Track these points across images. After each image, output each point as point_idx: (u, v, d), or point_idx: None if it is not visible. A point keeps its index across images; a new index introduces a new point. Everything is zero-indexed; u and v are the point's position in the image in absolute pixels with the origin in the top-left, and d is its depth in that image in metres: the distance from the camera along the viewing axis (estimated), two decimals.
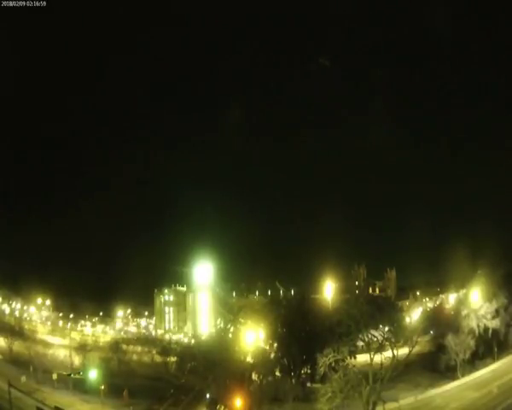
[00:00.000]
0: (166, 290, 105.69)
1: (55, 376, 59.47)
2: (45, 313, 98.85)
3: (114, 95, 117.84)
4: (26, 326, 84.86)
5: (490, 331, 62.27)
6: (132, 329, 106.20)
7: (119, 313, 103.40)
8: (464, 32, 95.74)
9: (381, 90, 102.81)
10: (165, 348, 75.66)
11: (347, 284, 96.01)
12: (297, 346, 61.90)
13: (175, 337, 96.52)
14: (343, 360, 49.74)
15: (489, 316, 62.55)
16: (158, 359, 72.51)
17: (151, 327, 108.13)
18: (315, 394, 52.24)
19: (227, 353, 61.48)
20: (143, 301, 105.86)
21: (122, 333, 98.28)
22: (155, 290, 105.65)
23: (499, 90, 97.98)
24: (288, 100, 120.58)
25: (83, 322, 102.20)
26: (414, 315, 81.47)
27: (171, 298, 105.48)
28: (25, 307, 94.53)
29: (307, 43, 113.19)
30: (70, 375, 60.88)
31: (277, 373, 64.19)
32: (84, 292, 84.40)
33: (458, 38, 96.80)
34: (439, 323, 66.91)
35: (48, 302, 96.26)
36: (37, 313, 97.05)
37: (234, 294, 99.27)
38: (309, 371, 62.76)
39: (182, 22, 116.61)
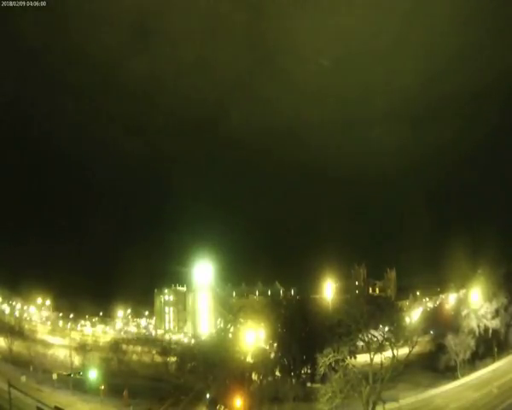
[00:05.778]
0: (166, 290, 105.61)
1: (55, 376, 59.50)
2: (45, 313, 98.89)
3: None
4: (26, 326, 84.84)
5: (490, 331, 62.25)
6: (132, 329, 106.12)
7: (119, 313, 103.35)
8: None
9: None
10: (165, 348, 75.60)
11: (347, 284, 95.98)
12: (297, 346, 61.96)
13: (175, 337, 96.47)
14: (343, 360, 49.65)
15: (489, 316, 62.55)
16: (158, 359, 72.41)
17: (151, 327, 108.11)
18: (315, 394, 52.29)
19: (227, 353, 61.51)
20: (143, 301, 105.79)
21: (122, 333, 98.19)
22: (155, 290, 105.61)
23: None
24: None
25: (83, 322, 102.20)
26: (414, 315, 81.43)
27: (171, 298, 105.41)
28: (25, 307, 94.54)
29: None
30: (70, 375, 60.87)
31: (277, 373, 64.19)
32: (84, 292, 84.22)
33: None
34: (439, 323, 66.96)
35: (48, 302, 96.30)
36: (37, 313, 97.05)
37: (234, 294, 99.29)
38: (309, 371, 62.82)
39: None
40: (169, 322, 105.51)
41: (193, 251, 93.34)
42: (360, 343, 54.69)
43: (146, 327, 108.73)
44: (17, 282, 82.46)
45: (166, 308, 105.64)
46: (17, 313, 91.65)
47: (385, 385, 49.08)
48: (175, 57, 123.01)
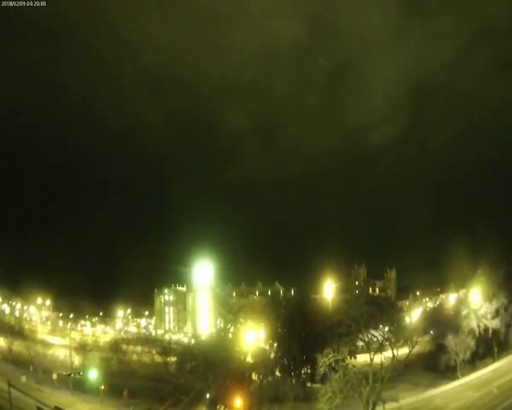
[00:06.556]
0: (166, 290, 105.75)
1: (55, 376, 59.43)
2: (45, 313, 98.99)
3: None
4: (26, 326, 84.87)
5: (490, 331, 62.19)
6: (132, 329, 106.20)
7: (119, 313, 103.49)
8: None
9: None
10: (165, 348, 75.49)
11: (347, 283, 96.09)
12: (297, 346, 61.87)
13: (175, 337, 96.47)
14: (343, 360, 49.56)
15: (489, 316, 62.48)
16: (158, 359, 72.37)
17: (151, 327, 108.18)
18: (315, 394, 52.19)
19: (227, 353, 61.38)
20: (143, 301, 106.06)
21: (122, 333, 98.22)
22: (155, 290, 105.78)
23: None
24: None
25: (83, 322, 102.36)
26: (414, 315, 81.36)
27: (171, 298, 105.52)
28: (25, 307, 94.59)
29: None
30: (70, 375, 60.82)
31: (277, 373, 64.12)
32: (84, 292, 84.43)
33: None
34: (439, 323, 66.84)
35: (48, 302, 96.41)
36: (37, 313, 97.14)
37: (234, 294, 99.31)
38: (309, 371, 62.76)
39: None
40: (169, 322, 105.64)
41: (193, 251, 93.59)
42: (360, 343, 54.61)
43: (146, 327, 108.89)
44: (17, 282, 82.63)
45: (166, 308, 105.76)
46: (17, 313, 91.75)
47: (385, 385, 49.01)
48: None
